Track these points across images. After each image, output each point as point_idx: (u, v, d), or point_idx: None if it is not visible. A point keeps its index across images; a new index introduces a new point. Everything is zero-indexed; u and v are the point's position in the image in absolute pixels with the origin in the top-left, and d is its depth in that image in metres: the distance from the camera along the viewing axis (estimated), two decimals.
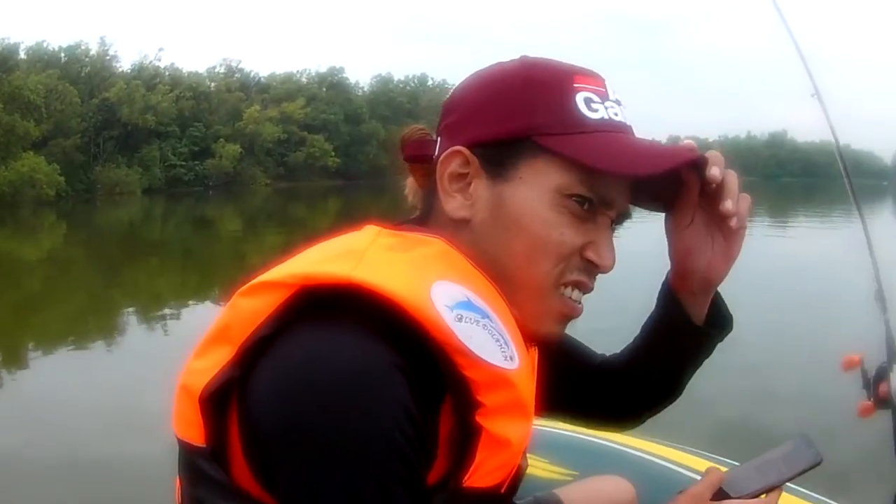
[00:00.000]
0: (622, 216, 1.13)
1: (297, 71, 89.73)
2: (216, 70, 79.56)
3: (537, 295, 1.08)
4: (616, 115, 1.10)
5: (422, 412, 0.93)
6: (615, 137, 1.08)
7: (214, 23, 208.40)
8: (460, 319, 0.96)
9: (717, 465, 1.20)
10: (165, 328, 11.06)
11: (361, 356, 0.91)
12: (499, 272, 1.06)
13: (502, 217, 1.06)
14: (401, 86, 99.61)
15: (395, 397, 0.90)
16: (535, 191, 1.05)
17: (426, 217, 1.14)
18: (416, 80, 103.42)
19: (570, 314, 1.12)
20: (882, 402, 2.02)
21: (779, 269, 17.50)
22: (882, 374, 2.03)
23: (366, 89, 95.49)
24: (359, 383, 0.90)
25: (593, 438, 2.55)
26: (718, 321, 1.34)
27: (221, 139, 65.88)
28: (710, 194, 1.17)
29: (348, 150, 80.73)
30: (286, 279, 0.97)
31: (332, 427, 0.89)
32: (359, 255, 0.99)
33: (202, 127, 66.76)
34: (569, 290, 1.10)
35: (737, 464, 1.23)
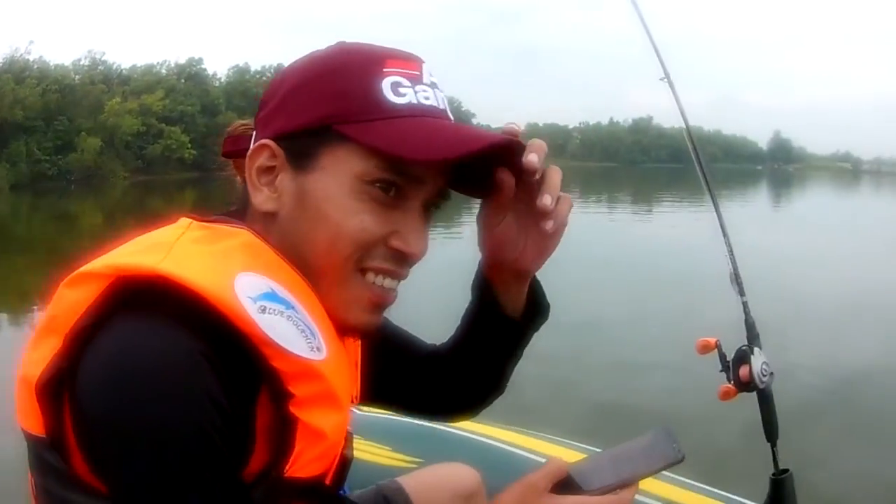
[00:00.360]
0: (439, 198, 1.17)
1: (158, 62, 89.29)
2: (81, 62, 77.99)
3: (340, 283, 1.11)
4: (427, 98, 1.12)
5: (231, 402, 0.98)
6: (420, 122, 1.10)
7: (83, 13, 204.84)
8: (264, 311, 1.00)
9: (575, 452, 1.21)
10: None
11: (169, 347, 0.96)
12: (305, 263, 1.10)
13: (306, 208, 1.10)
14: (257, 76, 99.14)
15: (202, 388, 0.95)
16: (336, 180, 1.08)
17: (243, 210, 1.18)
18: (272, 71, 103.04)
19: (379, 302, 1.16)
20: (744, 385, 2.07)
21: (642, 254, 18.12)
22: (742, 357, 2.08)
23: (223, 80, 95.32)
24: (166, 374, 0.94)
25: (438, 425, 2.61)
26: (533, 310, 1.39)
27: (83, 133, 64.91)
28: (529, 188, 1.21)
29: (204, 141, 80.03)
30: (102, 270, 1.01)
31: (141, 417, 0.94)
32: (167, 248, 1.03)
33: (66, 121, 65.53)
34: (380, 277, 1.13)
35: (596, 449, 1.22)
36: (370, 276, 1.12)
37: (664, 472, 2.54)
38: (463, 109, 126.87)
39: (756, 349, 2.09)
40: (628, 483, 1.13)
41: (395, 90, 1.10)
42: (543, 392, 7.20)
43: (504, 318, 1.36)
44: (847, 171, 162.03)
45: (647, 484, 2.40)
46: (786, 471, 2.15)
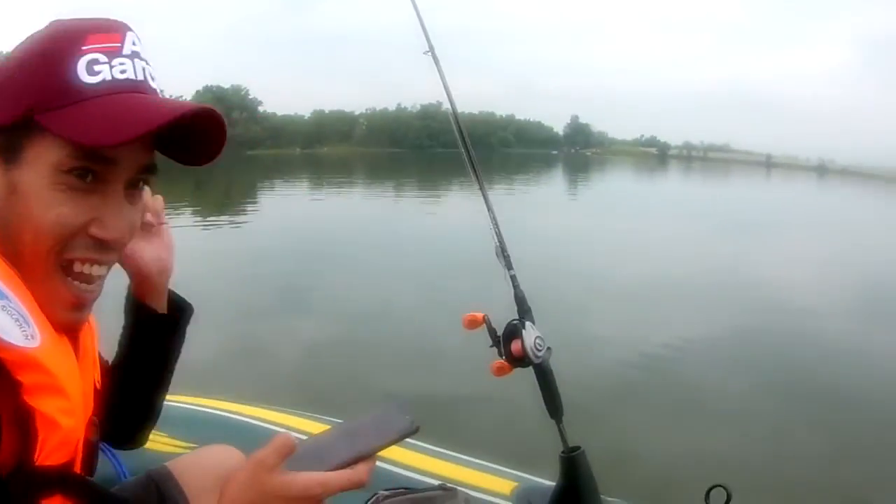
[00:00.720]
0: (144, 174, 1.25)
1: None
2: None
3: (44, 280, 1.17)
4: (123, 72, 1.17)
5: None
6: (111, 101, 1.15)
7: None
8: None
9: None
10: None
11: None
12: (18, 256, 1.15)
13: (15, 203, 1.15)
14: None
15: None
16: (37, 173, 1.13)
17: None
18: None
19: (80, 302, 1.23)
20: (517, 360, 2.18)
21: (428, 238, 18.44)
22: (513, 332, 2.18)
23: None
24: None
25: (210, 409, 2.81)
26: (180, 308, 1.66)
27: None
28: None
29: None
30: None
31: None
32: None
33: None
34: (87, 266, 1.21)
35: None
36: (77, 266, 1.19)
37: (454, 454, 2.66)
38: (251, 98, 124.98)
39: (528, 323, 2.19)
40: (364, 456, 1.19)
41: (91, 69, 1.14)
42: (328, 379, 7.34)
43: (166, 318, 1.63)
44: (652, 155, 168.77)
45: (434, 465, 2.55)
46: (577, 448, 2.26)
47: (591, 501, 2.29)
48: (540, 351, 2.18)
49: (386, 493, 2.25)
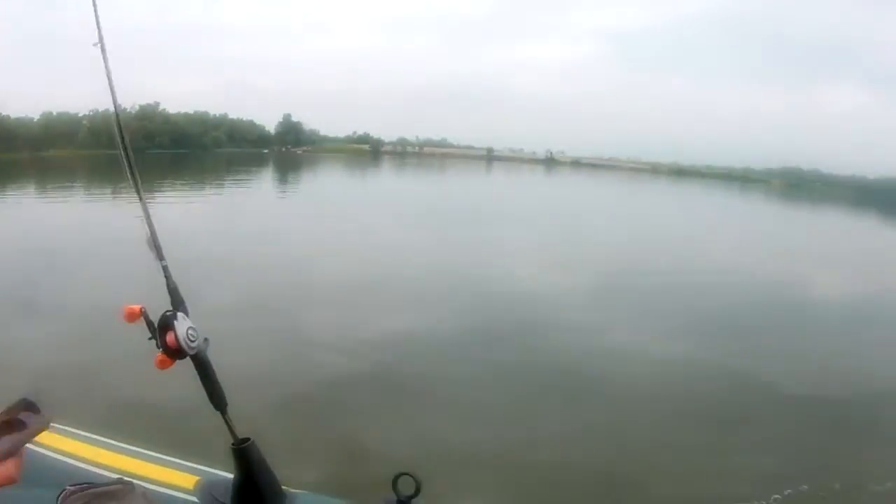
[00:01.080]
0: None
1: None
2: None
3: None
4: None
5: None
6: None
7: None
8: None
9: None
10: None
11: None
12: None
13: None
14: None
15: None
16: None
17: None
18: None
19: None
20: (175, 352, 2.21)
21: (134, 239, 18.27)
22: (167, 323, 2.22)
23: None
24: None
25: None
26: None
27: None
28: None
29: None
30: None
31: None
32: None
33: None
34: None
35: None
36: None
37: (138, 450, 2.68)
38: None
39: (181, 314, 2.24)
40: (11, 453, 1.23)
41: None
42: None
43: None
44: (365, 151, 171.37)
45: (117, 460, 2.59)
46: (246, 440, 2.33)
47: (269, 492, 2.36)
48: (193, 342, 2.22)
49: (72, 488, 2.26)
